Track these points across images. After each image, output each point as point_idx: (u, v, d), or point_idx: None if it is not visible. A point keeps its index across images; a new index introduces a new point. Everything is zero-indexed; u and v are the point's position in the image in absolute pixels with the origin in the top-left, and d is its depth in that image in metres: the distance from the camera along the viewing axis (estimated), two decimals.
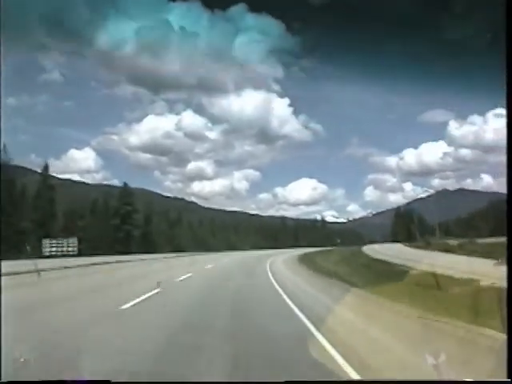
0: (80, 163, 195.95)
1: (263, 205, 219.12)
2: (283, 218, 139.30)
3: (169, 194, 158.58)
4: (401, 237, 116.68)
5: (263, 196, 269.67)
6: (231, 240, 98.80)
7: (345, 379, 4.18)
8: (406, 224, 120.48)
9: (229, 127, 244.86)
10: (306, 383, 3.83)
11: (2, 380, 3.54)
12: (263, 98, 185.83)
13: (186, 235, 78.95)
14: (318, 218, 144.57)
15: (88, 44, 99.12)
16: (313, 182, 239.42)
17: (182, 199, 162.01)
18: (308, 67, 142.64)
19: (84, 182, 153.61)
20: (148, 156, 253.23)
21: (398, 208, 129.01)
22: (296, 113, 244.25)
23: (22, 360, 4.16)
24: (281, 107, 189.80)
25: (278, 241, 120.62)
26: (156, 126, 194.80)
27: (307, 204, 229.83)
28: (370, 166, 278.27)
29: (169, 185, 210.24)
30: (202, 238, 78.47)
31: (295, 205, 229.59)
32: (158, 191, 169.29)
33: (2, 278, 14.11)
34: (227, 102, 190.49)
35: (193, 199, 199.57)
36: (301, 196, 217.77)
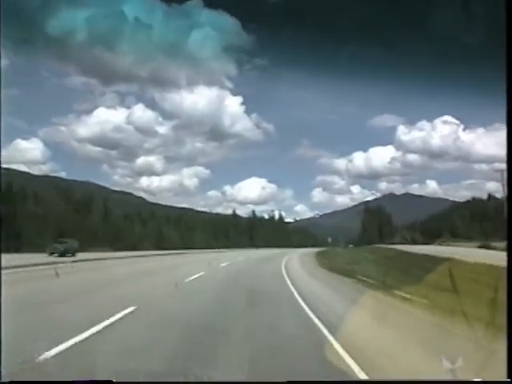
0: (26, 153, 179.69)
1: (212, 202, 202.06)
2: (235, 215, 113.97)
3: (117, 188, 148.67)
4: (371, 236, 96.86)
5: (212, 193, 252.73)
6: (168, 236, 71.36)
7: None
8: (379, 221, 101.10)
9: (180, 123, 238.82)
10: (308, 383, 3.68)
11: (3, 380, 3.24)
12: (216, 95, 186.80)
13: (99, 227, 52.15)
14: (276, 214, 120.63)
15: (39, 32, 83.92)
16: (262, 182, 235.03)
17: (130, 194, 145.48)
18: (262, 66, 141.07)
19: (29, 173, 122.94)
20: (97, 149, 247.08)
21: (367, 203, 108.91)
22: (248, 111, 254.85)
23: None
24: (233, 105, 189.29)
25: (230, 239, 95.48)
26: (106, 118, 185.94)
27: (256, 203, 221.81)
28: (318, 167, 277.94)
29: (117, 179, 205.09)
30: (123, 232, 52.25)
31: (244, 203, 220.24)
32: (107, 185, 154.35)
33: None
34: (179, 98, 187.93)
35: (141, 194, 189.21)
36: (250, 195, 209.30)
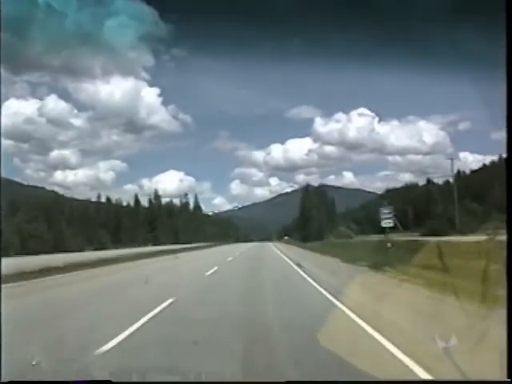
0: None
1: (128, 196, 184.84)
2: (137, 203, 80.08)
3: (31, 183, 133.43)
4: (315, 226, 73.29)
5: (129, 187, 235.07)
6: None
7: None
8: (327, 209, 77.81)
9: (95, 115, 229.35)
10: (306, 383, 3.65)
11: (2, 380, 3.16)
12: (132, 86, 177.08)
13: None
14: (191, 200, 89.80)
15: None
16: (180, 175, 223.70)
17: (43, 188, 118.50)
18: (179, 57, 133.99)
19: None
20: (8, 142, 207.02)
21: (307, 187, 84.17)
22: (165, 103, 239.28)
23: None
24: (150, 96, 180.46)
25: (120, 234, 64.38)
26: (17, 110, 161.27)
27: (174, 196, 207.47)
28: (237, 159, 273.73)
29: (30, 173, 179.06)
30: None
31: (162, 197, 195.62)
32: (18, 180, 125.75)
33: None
34: (94, 88, 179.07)
35: (55, 189, 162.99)
36: (167, 188, 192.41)
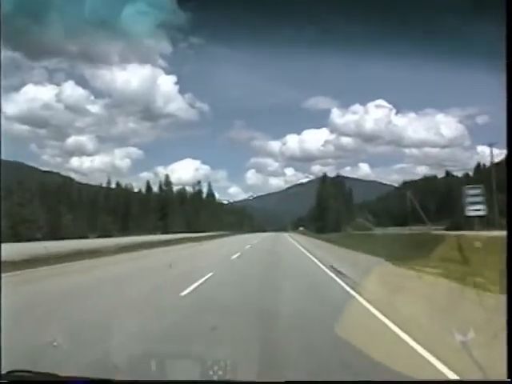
0: None
1: (144, 184, 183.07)
2: (149, 190, 76.33)
3: (47, 169, 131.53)
4: (333, 217, 68.64)
5: (144, 175, 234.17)
6: None
7: None
8: (345, 199, 73.00)
9: (112, 102, 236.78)
10: (306, 383, 3.62)
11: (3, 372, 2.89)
12: (149, 74, 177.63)
13: None
14: (204, 187, 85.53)
15: None
16: (196, 163, 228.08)
17: (57, 173, 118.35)
18: (197, 45, 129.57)
19: None
20: (25, 127, 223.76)
21: (324, 177, 79.27)
22: (182, 91, 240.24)
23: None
24: (167, 84, 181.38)
25: (128, 221, 61.02)
26: (34, 95, 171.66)
27: (189, 185, 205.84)
28: (253, 149, 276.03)
29: (47, 159, 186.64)
30: None
31: (176, 185, 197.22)
32: (35, 165, 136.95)
33: None
34: (111, 75, 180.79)
35: (72, 175, 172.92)
36: (183, 176, 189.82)
